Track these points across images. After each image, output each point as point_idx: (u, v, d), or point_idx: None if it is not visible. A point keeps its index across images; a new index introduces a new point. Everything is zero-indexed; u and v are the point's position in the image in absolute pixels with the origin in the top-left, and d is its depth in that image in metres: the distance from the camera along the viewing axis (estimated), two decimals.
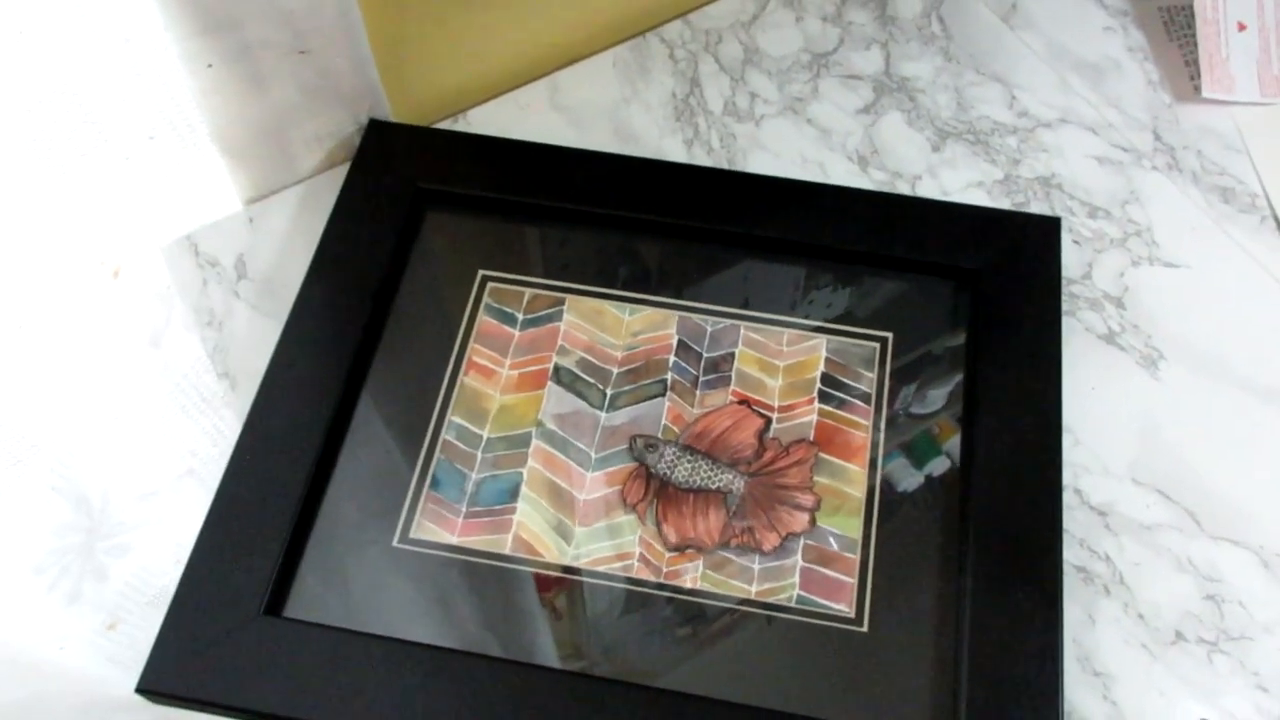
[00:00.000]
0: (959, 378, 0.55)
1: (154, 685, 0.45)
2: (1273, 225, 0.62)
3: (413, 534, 0.51)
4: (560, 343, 0.56)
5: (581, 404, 0.54)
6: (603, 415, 0.54)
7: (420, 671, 0.46)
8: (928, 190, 0.63)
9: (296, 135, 0.59)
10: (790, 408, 0.54)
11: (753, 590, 0.49)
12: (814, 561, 0.50)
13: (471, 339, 0.56)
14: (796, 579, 0.50)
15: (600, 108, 0.66)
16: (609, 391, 0.55)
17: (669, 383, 0.55)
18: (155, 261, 0.59)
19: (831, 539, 0.51)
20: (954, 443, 0.53)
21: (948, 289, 0.57)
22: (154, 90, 0.52)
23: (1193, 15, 0.67)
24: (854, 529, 0.51)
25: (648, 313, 0.57)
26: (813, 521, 0.51)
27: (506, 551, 0.50)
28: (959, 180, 0.63)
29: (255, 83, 0.55)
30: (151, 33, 0.50)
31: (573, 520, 0.51)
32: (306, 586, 0.49)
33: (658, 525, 0.51)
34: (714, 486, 0.52)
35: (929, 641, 0.48)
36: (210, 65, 0.53)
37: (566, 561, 0.50)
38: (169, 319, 0.58)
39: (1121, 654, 0.49)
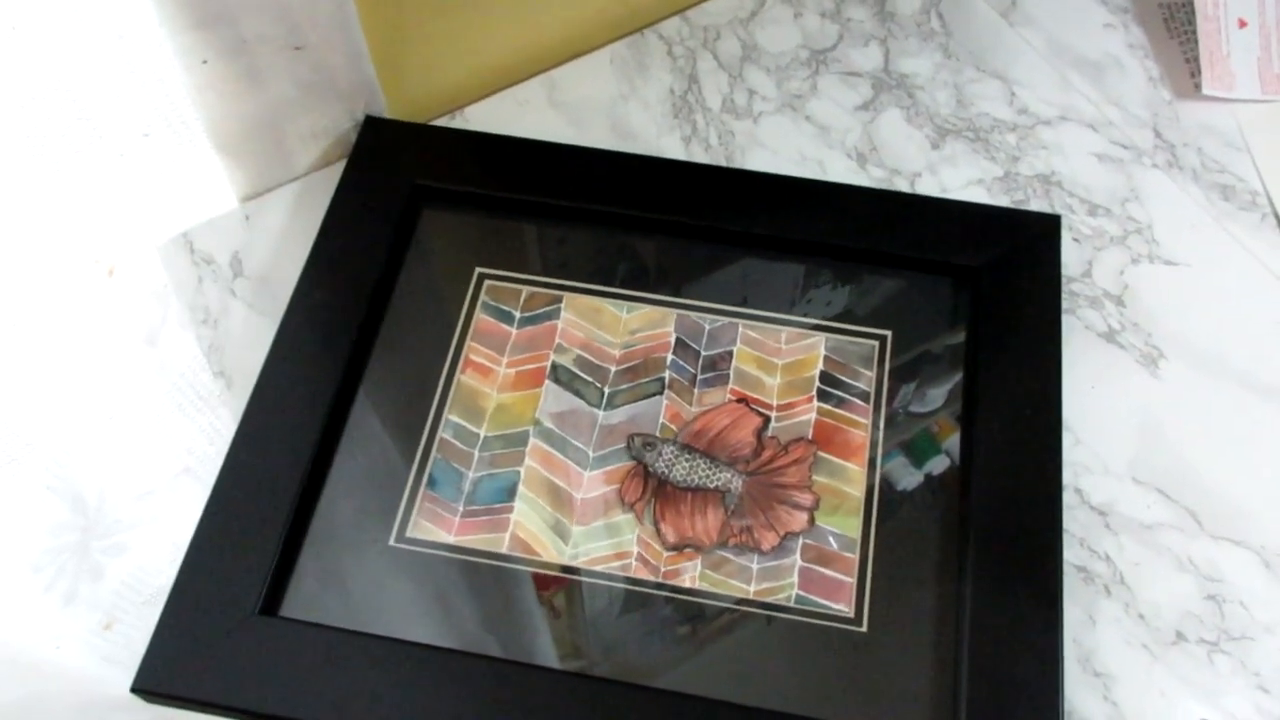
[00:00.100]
0: (958, 376, 0.55)
1: (149, 685, 0.45)
2: (1273, 223, 0.61)
3: (409, 533, 0.50)
4: (558, 341, 0.56)
5: (579, 402, 0.54)
6: (600, 414, 0.54)
7: (417, 671, 0.46)
8: (927, 188, 0.62)
9: (292, 132, 0.59)
10: (789, 406, 0.54)
11: (751, 590, 0.49)
12: (813, 561, 0.50)
13: (468, 337, 0.56)
14: (795, 579, 0.49)
15: (598, 105, 0.65)
16: (607, 390, 0.54)
17: (667, 381, 0.54)
18: (150, 259, 0.59)
19: (830, 538, 0.50)
20: (953, 441, 0.53)
21: (947, 287, 0.57)
22: (148, 86, 0.52)
23: (1193, 12, 0.66)
24: (853, 528, 0.50)
25: (645, 311, 0.57)
26: (811, 521, 0.51)
27: (504, 551, 0.50)
28: (958, 178, 0.63)
29: (250, 79, 0.55)
30: (145, 28, 0.50)
31: (570, 519, 0.51)
32: (302, 586, 0.49)
33: (656, 524, 0.51)
34: (712, 485, 0.52)
35: (929, 642, 0.48)
36: (205, 61, 0.52)
37: (564, 561, 0.50)
38: (165, 317, 0.57)
39: (1122, 654, 0.49)
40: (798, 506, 0.51)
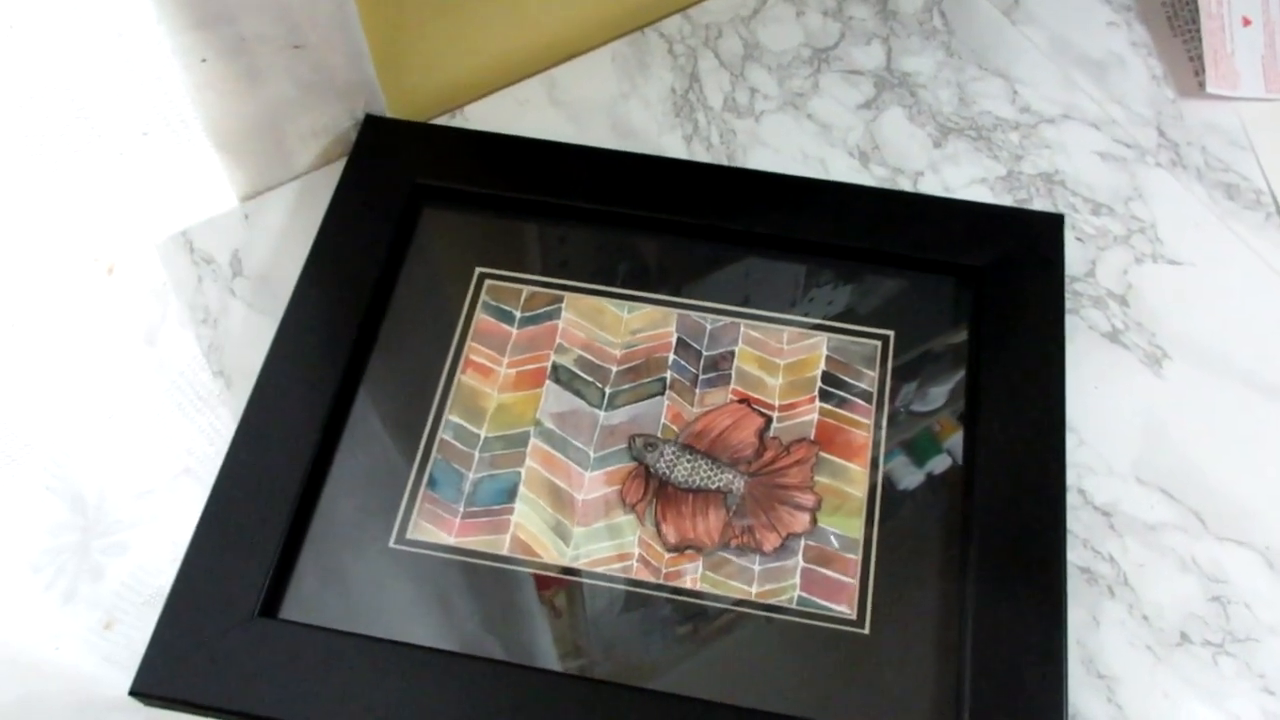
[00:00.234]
0: (960, 375, 0.54)
1: (148, 688, 0.45)
2: (1278, 222, 0.61)
3: (409, 534, 0.50)
4: (558, 341, 0.55)
5: (580, 403, 0.54)
6: (601, 414, 0.53)
7: (416, 673, 0.45)
8: (929, 187, 0.62)
9: (292, 131, 0.59)
10: (791, 406, 0.54)
11: (753, 591, 0.49)
12: (815, 562, 0.49)
13: (469, 337, 0.55)
14: (797, 580, 0.49)
15: (599, 103, 0.65)
16: (608, 390, 0.54)
17: (668, 381, 0.54)
18: (150, 258, 0.59)
19: (832, 539, 0.50)
20: (955, 440, 0.53)
21: (949, 287, 0.57)
22: (148, 85, 0.52)
23: (1197, 10, 0.66)
24: (855, 529, 0.50)
25: (647, 310, 0.56)
26: (813, 521, 0.50)
27: (504, 552, 0.50)
28: (961, 176, 0.62)
29: (250, 78, 0.54)
30: (145, 27, 0.50)
31: (571, 520, 0.51)
32: (302, 588, 0.49)
33: (657, 525, 0.50)
34: (714, 486, 0.51)
35: (931, 644, 0.47)
36: (204, 60, 0.52)
37: (565, 562, 0.49)
38: (164, 316, 0.57)
39: (1126, 656, 0.49)
40: (799, 507, 0.51)
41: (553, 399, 0.54)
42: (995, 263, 0.56)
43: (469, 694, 0.45)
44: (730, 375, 0.54)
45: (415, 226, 0.59)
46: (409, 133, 0.61)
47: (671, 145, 0.64)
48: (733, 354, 0.55)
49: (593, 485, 0.51)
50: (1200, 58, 0.66)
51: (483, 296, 0.57)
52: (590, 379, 0.54)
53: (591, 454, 0.52)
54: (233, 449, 0.51)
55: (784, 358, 0.55)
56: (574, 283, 0.57)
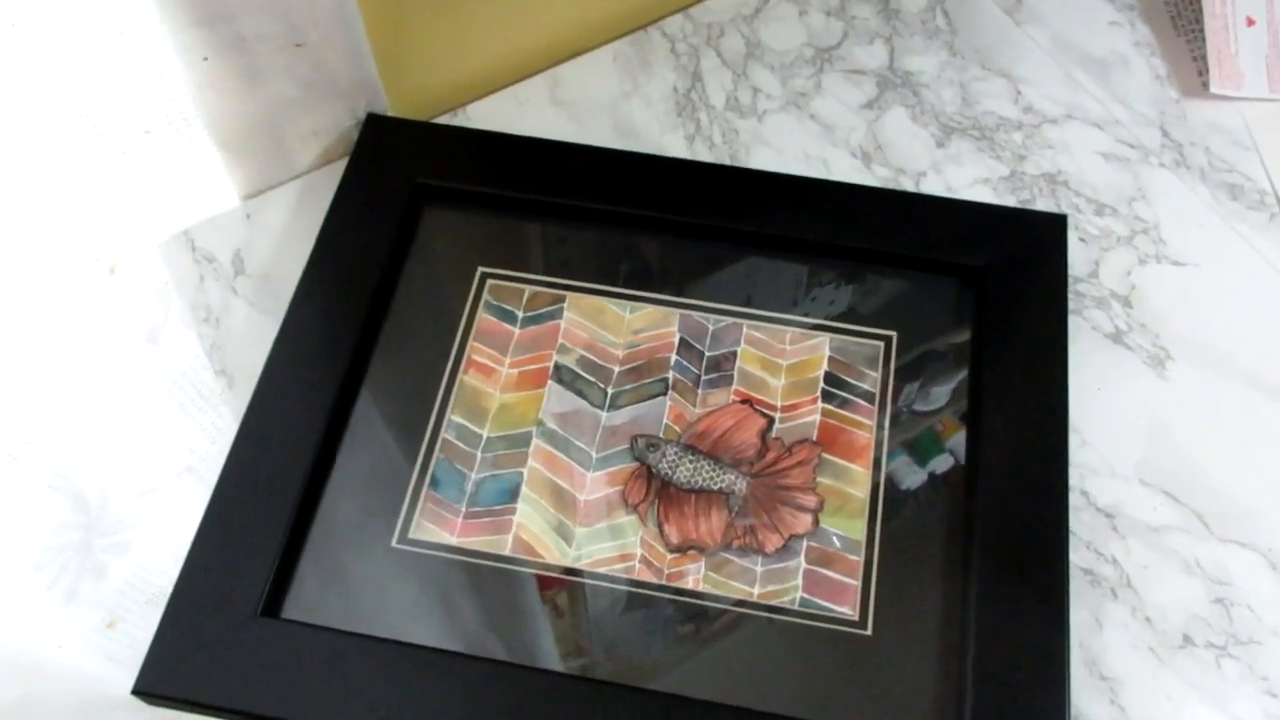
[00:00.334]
0: (963, 375, 0.54)
1: (150, 687, 0.45)
2: None
3: (411, 534, 0.50)
4: (561, 341, 0.55)
5: (582, 403, 0.54)
6: (604, 414, 0.53)
7: (418, 673, 0.45)
8: (932, 187, 0.62)
9: (293, 130, 0.59)
10: (793, 407, 0.53)
11: (755, 592, 0.49)
12: (817, 563, 0.49)
13: (471, 337, 0.55)
14: (799, 581, 0.49)
15: (601, 103, 0.65)
16: (610, 390, 0.54)
17: (670, 382, 0.54)
18: (152, 257, 0.59)
19: (834, 540, 0.50)
20: (958, 440, 0.52)
21: (952, 287, 0.57)
22: (149, 84, 0.52)
23: (1201, 10, 0.66)
24: (857, 530, 0.50)
25: (649, 310, 0.56)
26: (816, 522, 0.50)
27: (506, 552, 0.50)
28: (964, 177, 0.62)
29: (251, 76, 0.54)
30: (146, 25, 0.49)
31: (573, 521, 0.50)
32: (304, 587, 0.49)
33: (659, 526, 0.50)
34: (716, 487, 0.51)
35: (933, 645, 0.47)
36: (206, 58, 0.52)
37: (567, 562, 0.49)
38: (166, 315, 0.57)
39: (1129, 658, 0.49)
40: (802, 508, 0.51)
41: (555, 399, 0.54)
42: (998, 263, 0.56)
43: (471, 694, 0.45)
44: (732, 376, 0.54)
45: (417, 226, 0.59)
46: (411, 132, 0.61)
47: (674, 145, 0.63)
48: (735, 354, 0.55)
49: (595, 486, 0.51)
50: (1204, 58, 0.66)
51: (485, 296, 0.57)
52: (592, 379, 0.54)
53: (593, 454, 0.52)
54: (234, 449, 0.51)
55: (786, 358, 0.55)
56: (576, 282, 0.57)
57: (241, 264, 0.59)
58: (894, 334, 0.55)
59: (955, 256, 0.56)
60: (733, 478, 0.51)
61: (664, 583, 0.49)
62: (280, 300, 0.56)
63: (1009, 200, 0.61)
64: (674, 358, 0.55)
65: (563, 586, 0.49)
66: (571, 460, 0.52)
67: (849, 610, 0.48)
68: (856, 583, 0.49)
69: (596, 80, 0.66)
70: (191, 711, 0.46)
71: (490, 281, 0.57)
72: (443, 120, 0.64)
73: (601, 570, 0.49)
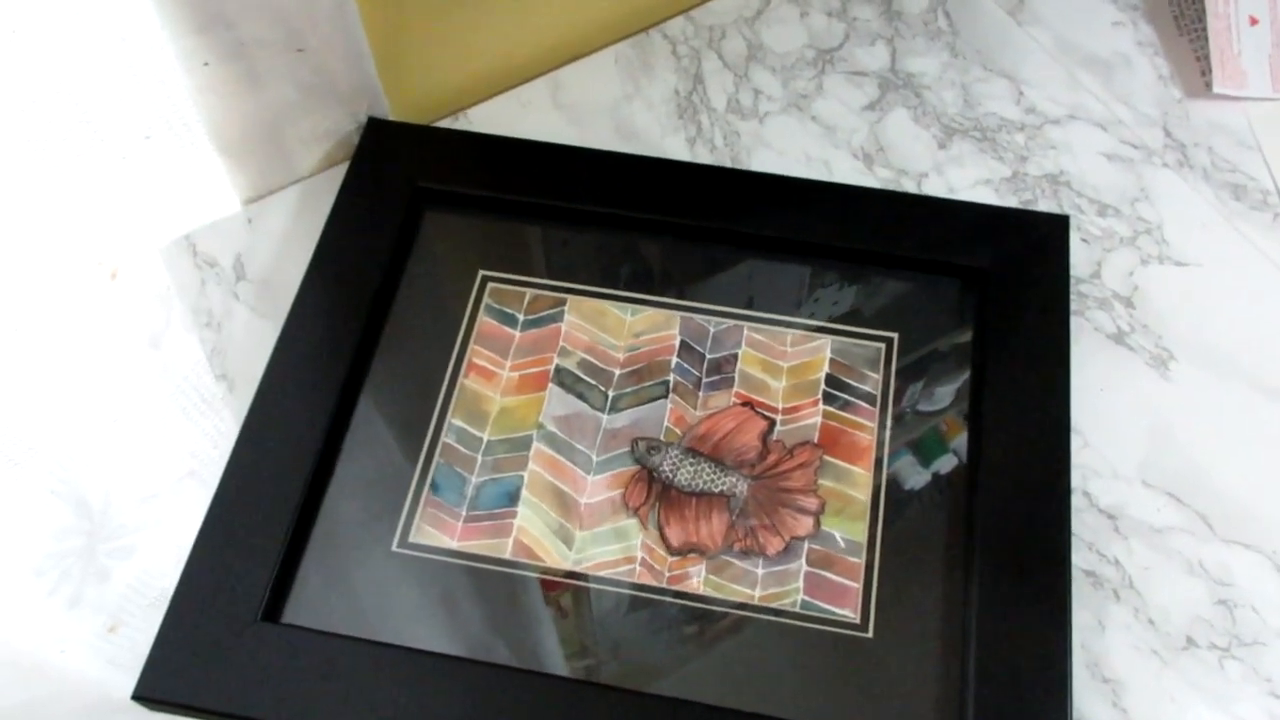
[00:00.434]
0: (965, 376, 0.54)
1: (150, 693, 0.45)
2: None
3: (412, 538, 0.50)
4: (561, 344, 0.55)
5: (583, 406, 0.54)
6: (604, 417, 0.53)
7: (419, 678, 0.45)
8: (934, 188, 0.62)
9: (294, 134, 0.59)
10: (794, 409, 0.53)
11: (756, 595, 0.49)
12: (818, 565, 0.49)
13: (471, 340, 0.55)
14: (801, 584, 0.49)
15: (602, 105, 0.65)
16: (611, 393, 0.54)
17: (671, 384, 0.54)
18: (153, 262, 0.59)
19: (836, 543, 0.50)
20: (961, 440, 0.52)
21: (954, 288, 0.56)
22: (150, 89, 0.52)
23: (1204, 9, 0.66)
24: (859, 532, 0.50)
25: (650, 313, 0.56)
26: (817, 525, 0.50)
27: (507, 556, 0.50)
28: (966, 178, 0.62)
29: (252, 81, 0.54)
30: (147, 31, 0.50)
31: (574, 524, 0.50)
32: (305, 592, 0.49)
33: (660, 529, 0.50)
34: (717, 490, 0.51)
35: (935, 647, 0.47)
36: (206, 64, 0.52)
37: (568, 566, 0.49)
38: (168, 320, 0.57)
39: (1131, 660, 0.48)
40: (803, 511, 0.51)
41: (555, 402, 0.54)
42: (1000, 264, 0.56)
43: (472, 698, 0.45)
44: (733, 378, 0.54)
45: (418, 229, 0.59)
46: (412, 136, 0.61)
47: (675, 147, 0.63)
48: (736, 357, 0.55)
49: (595, 489, 0.51)
50: (1207, 57, 0.65)
51: (485, 299, 0.57)
52: (593, 382, 0.54)
53: (594, 457, 0.52)
54: (235, 454, 0.51)
55: (787, 360, 0.55)
56: (577, 285, 0.57)
57: (243, 268, 0.59)
58: (895, 336, 0.55)
59: (957, 258, 0.56)
60: (734, 480, 0.51)
61: (665, 586, 0.49)
62: (281, 305, 0.56)
63: (1011, 201, 0.61)
64: (675, 360, 0.55)
65: (563, 590, 0.49)
66: (572, 463, 0.52)
67: (850, 613, 0.48)
68: (858, 585, 0.49)
69: (598, 83, 0.66)
70: (191, 717, 0.46)
71: (491, 285, 0.57)
72: (444, 124, 0.64)
73: (602, 574, 0.49)
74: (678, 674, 0.47)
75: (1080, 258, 0.59)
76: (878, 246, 0.57)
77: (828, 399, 0.54)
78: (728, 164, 0.63)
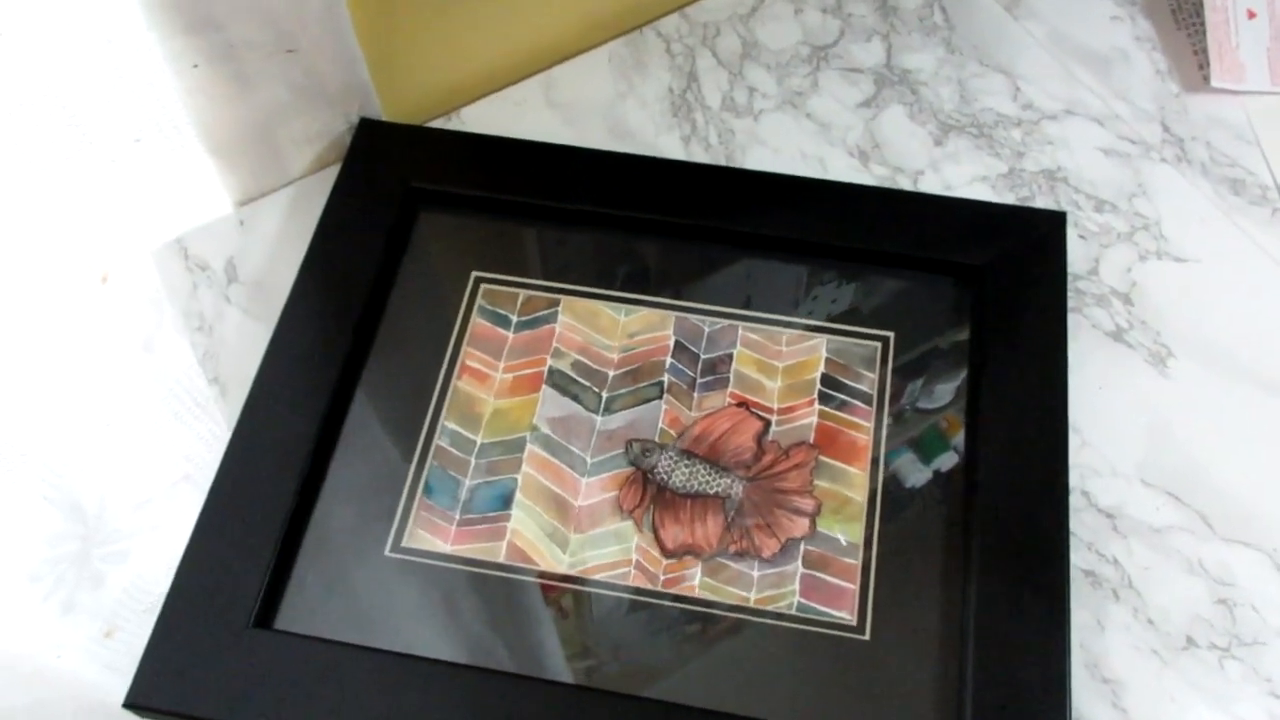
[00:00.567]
0: (962, 375, 0.54)
1: (142, 701, 0.45)
2: None
3: (405, 542, 0.50)
4: (555, 345, 0.55)
5: (577, 407, 0.53)
6: (598, 419, 0.53)
7: (412, 683, 0.45)
8: (930, 185, 0.61)
9: (286, 136, 0.58)
10: (790, 410, 0.53)
11: (752, 597, 0.48)
12: (814, 567, 0.49)
13: (465, 342, 0.55)
14: (797, 585, 0.49)
15: (595, 104, 0.65)
16: (605, 394, 0.54)
17: (666, 385, 0.54)
18: (144, 266, 0.58)
19: (832, 544, 0.49)
20: (960, 439, 0.52)
21: (950, 286, 0.56)
22: (139, 92, 0.52)
23: (1201, 3, 0.65)
24: (855, 534, 0.50)
25: (644, 313, 0.56)
26: (813, 526, 0.50)
27: (501, 560, 0.49)
28: (962, 175, 0.62)
29: (242, 83, 0.54)
30: (135, 33, 0.49)
31: (568, 527, 0.50)
32: (297, 598, 0.48)
33: (655, 531, 0.50)
34: (712, 491, 0.51)
35: (933, 649, 0.47)
36: (195, 65, 0.52)
37: (562, 569, 0.49)
38: (160, 324, 0.57)
39: (1131, 660, 0.48)
40: (799, 512, 0.50)
41: (549, 404, 0.53)
42: (997, 262, 0.55)
43: (465, 704, 0.45)
44: (729, 378, 0.54)
45: (411, 231, 0.58)
46: (404, 136, 0.61)
47: (669, 146, 0.63)
48: (731, 357, 0.54)
49: (590, 491, 0.51)
50: (1205, 51, 0.65)
51: (479, 301, 0.56)
52: (587, 383, 0.54)
53: (588, 459, 0.52)
54: (227, 458, 0.50)
55: (783, 360, 0.54)
56: (570, 286, 0.57)
57: (234, 271, 0.58)
58: (891, 334, 0.55)
59: (954, 255, 0.56)
60: (729, 482, 0.51)
61: (660, 589, 0.49)
62: (273, 307, 0.55)
63: (1008, 198, 0.61)
64: (669, 361, 0.54)
65: (557, 593, 0.49)
66: (566, 466, 0.52)
67: (847, 615, 0.48)
68: (854, 587, 0.48)
69: (591, 82, 0.66)
70: None
71: (484, 286, 0.57)
72: (436, 124, 0.64)
73: (597, 577, 0.49)
74: (673, 678, 0.47)
75: (1078, 254, 0.59)
76: (873, 245, 0.56)
77: (823, 399, 0.53)
78: (722, 162, 0.62)
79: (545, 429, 0.53)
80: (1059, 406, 0.51)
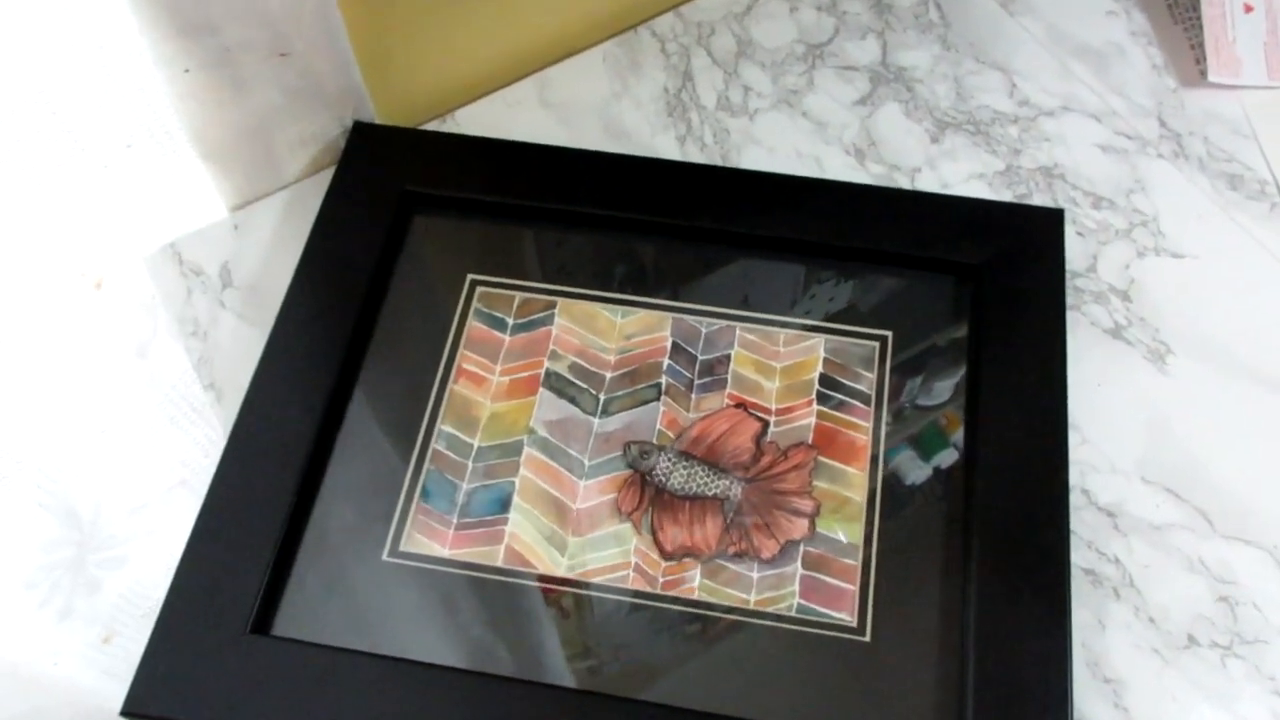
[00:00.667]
0: (961, 373, 0.53)
1: (140, 707, 0.45)
2: None
3: (403, 547, 0.50)
4: (552, 347, 0.55)
5: (574, 410, 0.53)
6: (596, 421, 0.53)
7: (410, 688, 0.45)
8: (927, 183, 0.61)
9: (280, 140, 0.58)
10: (788, 410, 0.53)
11: (751, 599, 0.48)
12: (814, 568, 0.49)
13: (461, 345, 0.55)
14: (796, 587, 0.48)
15: (590, 105, 0.64)
16: (602, 397, 0.53)
17: (663, 387, 0.53)
18: (138, 271, 0.58)
19: (832, 545, 0.49)
20: (959, 437, 0.52)
21: (948, 284, 0.56)
22: (131, 97, 0.51)
23: None
24: (855, 534, 0.49)
25: (641, 315, 0.56)
26: (812, 527, 0.50)
27: (499, 564, 0.49)
28: (959, 172, 0.62)
29: (235, 87, 0.54)
30: (126, 38, 0.49)
31: (566, 530, 0.50)
32: (295, 603, 0.48)
33: (653, 533, 0.50)
34: (711, 493, 0.51)
35: (933, 650, 0.47)
36: (188, 70, 0.52)
37: (560, 573, 0.49)
38: (154, 329, 0.57)
39: (1132, 659, 0.48)
40: (798, 513, 0.50)
41: (546, 407, 0.53)
42: (995, 259, 0.55)
43: (464, 708, 0.45)
44: (726, 379, 0.54)
45: (406, 234, 0.58)
46: (398, 139, 0.60)
47: (665, 146, 0.63)
48: (729, 358, 0.54)
49: (588, 494, 0.51)
50: (1201, 46, 0.65)
51: (475, 303, 0.56)
52: (584, 386, 0.54)
53: (586, 462, 0.52)
54: (223, 463, 0.50)
55: (781, 360, 0.54)
56: (567, 288, 0.56)
57: (229, 276, 0.58)
58: (889, 334, 0.55)
59: (951, 253, 0.56)
60: (727, 483, 0.51)
61: (659, 591, 0.48)
62: (268, 311, 0.55)
63: (1005, 195, 0.61)
64: (666, 362, 0.54)
65: (556, 597, 0.48)
66: (564, 468, 0.51)
67: (847, 616, 0.48)
68: (854, 588, 0.48)
69: (586, 82, 0.65)
70: None
71: (480, 289, 0.56)
72: (431, 126, 0.64)
73: (596, 580, 0.49)
74: (673, 681, 0.47)
75: (1075, 251, 0.58)
76: (870, 243, 0.56)
77: (821, 399, 0.53)
78: (718, 162, 0.62)
79: (543, 432, 0.52)
80: (1058, 404, 0.51)
